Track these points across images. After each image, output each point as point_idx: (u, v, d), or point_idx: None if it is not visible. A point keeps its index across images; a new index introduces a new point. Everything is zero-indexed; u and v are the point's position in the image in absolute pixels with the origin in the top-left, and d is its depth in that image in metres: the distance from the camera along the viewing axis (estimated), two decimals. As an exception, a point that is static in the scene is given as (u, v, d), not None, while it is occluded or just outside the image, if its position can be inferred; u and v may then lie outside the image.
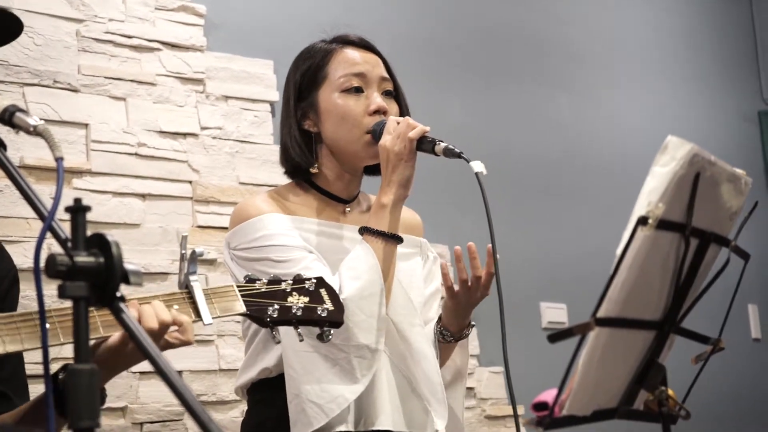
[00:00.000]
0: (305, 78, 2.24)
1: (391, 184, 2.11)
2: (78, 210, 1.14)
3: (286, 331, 1.94)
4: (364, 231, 2.11)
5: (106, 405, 2.65)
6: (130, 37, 3.00)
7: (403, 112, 2.26)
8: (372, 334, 2.03)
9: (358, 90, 2.20)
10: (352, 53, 2.24)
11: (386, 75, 2.25)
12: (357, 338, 2.02)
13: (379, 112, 2.19)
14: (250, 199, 2.22)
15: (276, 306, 1.75)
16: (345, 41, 2.27)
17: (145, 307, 1.62)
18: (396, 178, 2.10)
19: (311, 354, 2.04)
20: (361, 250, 2.07)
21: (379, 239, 2.09)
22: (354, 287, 2.02)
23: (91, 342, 1.63)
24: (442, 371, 2.24)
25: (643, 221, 1.36)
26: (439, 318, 2.25)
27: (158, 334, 1.62)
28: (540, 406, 1.37)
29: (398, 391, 2.13)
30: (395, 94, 2.27)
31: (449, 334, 2.23)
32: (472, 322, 2.26)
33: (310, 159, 2.22)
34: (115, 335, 1.63)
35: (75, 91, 2.86)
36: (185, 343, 1.66)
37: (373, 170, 2.28)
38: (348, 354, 2.03)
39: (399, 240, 2.12)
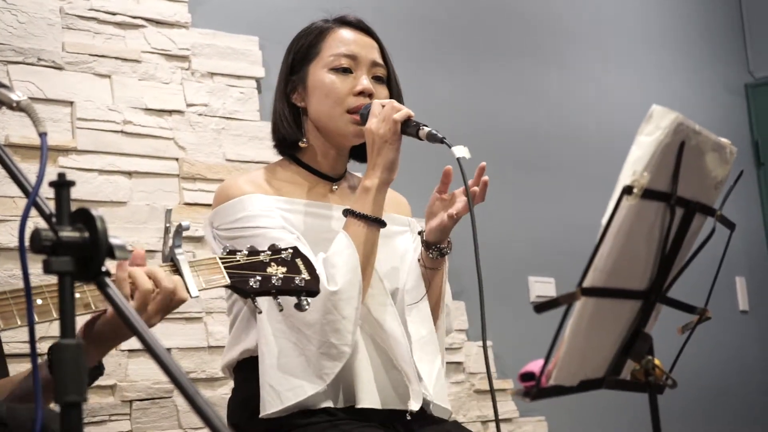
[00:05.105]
0: (299, 54, 2.25)
1: (376, 168, 2.10)
2: (62, 185, 1.13)
3: (266, 312, 1.97)
4: (348, 213, 2.10)
5: (95, 383, 2.67)
6: (114, 14, 2.98)
7: (395, 99, 2.23)
8: (342, 336, 2.02)
9: (347, 70, 2.20)
10: (347, 33, 2.24)
11: (379, 60, 2.24)
12: (327, 336, 2.02)
13: (364, 93, 2.18)
14: (233, 180, 2.22)
15: (258, 277, 1.76)
16: (343, 22, 2.26)
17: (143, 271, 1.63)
18: (381, 161, 2.09)
19: (281, 339, 2.05)
20: (343, 244, 2.06)
21: (361, 222, 2.08)
22: (333, 287, 2.01)
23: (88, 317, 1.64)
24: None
25: (628, 190, 1.36)
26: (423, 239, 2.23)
27: (162, 302, 1.63)
28: (527, 377, 1.37)
29: (381, 363, 2.12)
30: (387, 81, 2.25)
31: (436, 248, 2.21)
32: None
33: (298, 133, 2.22)
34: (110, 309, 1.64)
35: (59, 68, 2.84)
36: (180, 302, 1.67)
37: (363, 157, 2.28)
38: (316, 348, 2.02)
39: (382, 224, 2.11)
